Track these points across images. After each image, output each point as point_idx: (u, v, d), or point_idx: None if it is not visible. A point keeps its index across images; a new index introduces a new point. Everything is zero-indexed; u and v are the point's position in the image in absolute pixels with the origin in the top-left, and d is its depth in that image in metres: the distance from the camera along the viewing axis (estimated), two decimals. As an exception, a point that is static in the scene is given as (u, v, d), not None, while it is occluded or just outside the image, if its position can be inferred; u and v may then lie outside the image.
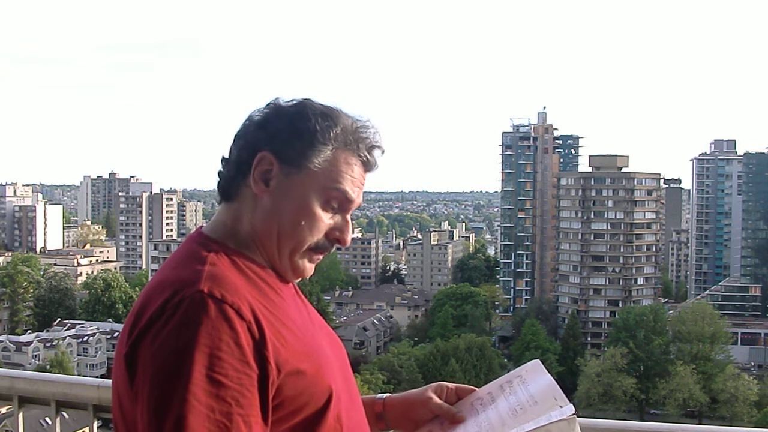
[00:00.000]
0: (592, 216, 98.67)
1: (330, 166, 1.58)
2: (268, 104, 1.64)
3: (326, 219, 1.60)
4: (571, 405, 1.55)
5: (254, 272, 1.56)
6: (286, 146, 1.57)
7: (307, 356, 1.51)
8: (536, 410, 1.59)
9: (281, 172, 1.57)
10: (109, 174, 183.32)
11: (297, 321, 1.56)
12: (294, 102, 1.63)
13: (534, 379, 1.72)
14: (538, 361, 1.82)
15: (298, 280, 1.68)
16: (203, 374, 1.36)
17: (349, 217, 1.64)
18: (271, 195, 1.58)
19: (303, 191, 1.57)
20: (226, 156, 1.64)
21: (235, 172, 1.61)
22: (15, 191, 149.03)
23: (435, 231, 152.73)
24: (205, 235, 1.62)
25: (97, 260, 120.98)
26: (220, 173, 1.65)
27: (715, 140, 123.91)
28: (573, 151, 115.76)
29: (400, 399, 1.86)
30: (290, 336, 1.49)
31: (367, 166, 1.65)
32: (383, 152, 1.67)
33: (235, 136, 1.64)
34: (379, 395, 1.88)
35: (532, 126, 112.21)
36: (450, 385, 1.85)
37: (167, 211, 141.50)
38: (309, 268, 1.63)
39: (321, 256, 1.64)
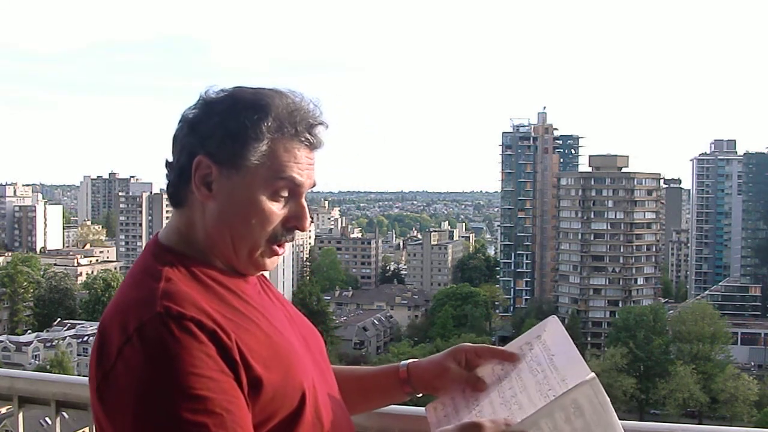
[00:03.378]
0: (592, 216, 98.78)
1: (269, 160, 1.52)
2: (198, 100, 1.58)
3: (278, 210, 1.55)
4: (592, 373, 1.50)
5: (213, 279, 1.52)
6: (220, 148, 1.52)
7: (274, 361, 1.46)
8: (559, 381, 1.54)
9: (221, 175, 1.52)
10: (109, 174, 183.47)
11: (262, 324, 1.51)
12: (223, 95, 1.56)
13: (554, 341, 1.67)
14: (555, 318, 1.76)
15: (259, 273, 1.64)
16: (185, 395, 1.33)
17: (303, 201, 1.58)
18: (216, 199, 1.53)
19: (247, 190, 1.52)
20: (170, 160, 1.60)
21: (178, 179, 1.57)
22: (15, 191, 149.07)
23: (435, 231, 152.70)
24: (162, 245, 1.58)
25: (97, 260, 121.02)
26: (167, 177, 1.60)
27: (715, 140, 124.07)
28: (573, 151, 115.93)
29: (423, 367, 1.84)
30: (254, 341, 1.45)
31: (311, 146, 1.58)
32: (327, 126, 1.61)
33: (173, 138, 1.59)
34: (402, 362, 1.87)
35: (532, 126, 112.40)
36: (468, 347, 1.80)
37: (167, 211, 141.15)
38: (270, 262, 1.59)
39: (282, 249, 1.60)
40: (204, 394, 1.34)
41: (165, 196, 1.63)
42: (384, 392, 1.89)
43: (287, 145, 1.55)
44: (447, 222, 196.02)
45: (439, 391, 1.80)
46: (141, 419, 1.34)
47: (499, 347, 1.78)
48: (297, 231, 1.60)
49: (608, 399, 1.49)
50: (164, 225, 1.65)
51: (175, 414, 1.32)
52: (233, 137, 1.52)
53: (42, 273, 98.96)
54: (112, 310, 1.47)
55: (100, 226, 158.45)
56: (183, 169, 1.55)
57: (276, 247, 1.58)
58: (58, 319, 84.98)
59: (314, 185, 1.60)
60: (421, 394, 1.88)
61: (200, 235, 1.56)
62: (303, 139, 1.56)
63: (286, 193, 1.56)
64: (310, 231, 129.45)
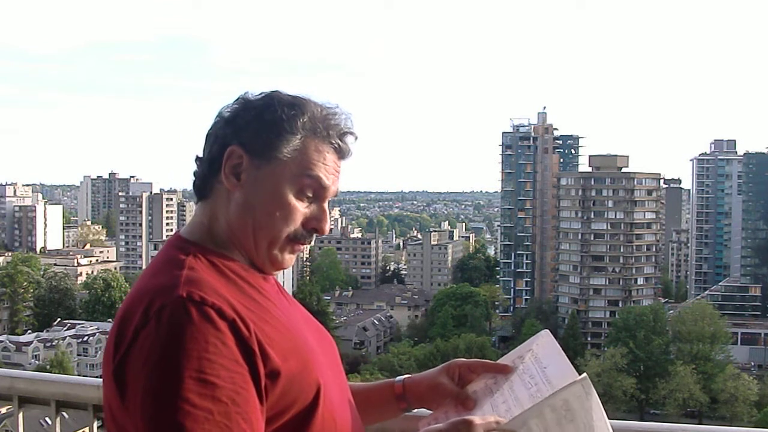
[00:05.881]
0: (592, 216, 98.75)
1: (300, 155, 1.57)
2: (236, 99, 1.63)
3: (301, 208, 1.59)
4: (584, 374, 1.52)
5: (234, 272, 1.55)
6: (254, 138, 1.57)
7: (292, 353, 1.48)
8: (552, 393, 1.54)
9: (251, 165, 1.57)
10: (109, 174, 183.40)
11: (281, 318, 1.54)
12: (262, 95, 1.62)
13: (546, 354, 1.68)
14: (548, 331, 1.78)
15: (278, 272, 1.67)
16: (194, 378, 1.34)
17: (325, 205, 1.63)
18: (243, 189, 1.57)
19: (274, 182, 1.57)
20: (200, 155, 1.64)
21: (207, 170, 1.61)
22: (15, 191, 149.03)
23: (435, 231, 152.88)
24: (183, 238, 1.61)
25: (97, 260, 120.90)
26: (195, 173, 1.64)
27: (715, 140, 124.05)
28: (573, 151, 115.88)
29: (417, 381, 1.86)
30: (274, 333, 1.47)
31: (340, 153, 1.63)
32: (356, 138, 1.66)
33: (207, 134, 1.64)
34: (398, 378, 1.89)
35: (532, 126, 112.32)
36: (461, 362, 1.83)
37: (167, 211, 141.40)
38: (288, 259, 1.63)
39: (301, 247, 1.63)
40: (213, 381, 1.35)
41: (192, 188, 1.66)
42: (379, 408, 1.90)
43: (318, 146, 1.59)
44: (447, 222, 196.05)
45: (433, 406, 1.82)
46: (148, 396, 1.35)
47: (491, 361, 1.80)
48: (316, 233, 1.63)
49: (599, 401, 1.48)
50: (188, 221, 1.67)
51: (181, 395, 1.33)
52: (268, 128, 1.57)
53: (42, 273, 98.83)
54: (132, 298, 1.48)
55: (100, 226, 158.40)
56: (214, 159, 1.59)
57: (295, 245, 1.61)
58: (58, 319, 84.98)
59: (337, 194, 1.63)
60: (415, 410, 1.89)
61: (223, 226, 1.60)
62: (334, 143, 1.61)
63: (311, 193, 1.59)
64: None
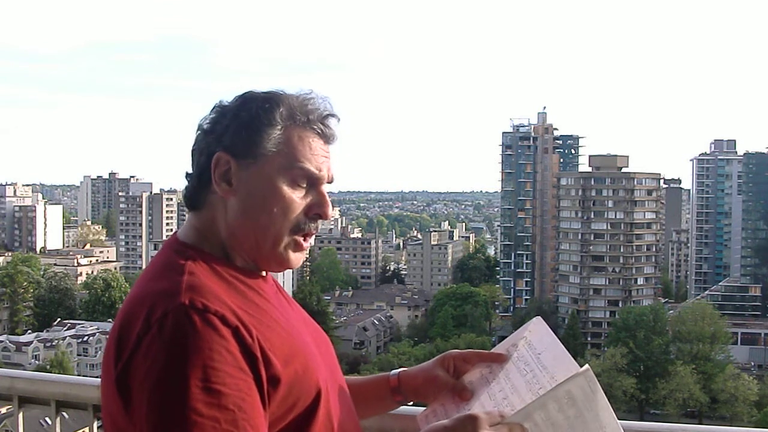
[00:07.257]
0: (592, 216, 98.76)
1: (285, 147, 1.56)
2: (212, 108, 1.62)
3: (298, 198, 1.57)
4: (587, 365, 1.54)
5: (233, 276, 1.54)
6: (236, 140, 1.55)
7: (293, 356, 1.49)
8: (549, 379, 1.56)
9: (239, 167, 1.55)
10: (109, 174, 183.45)
11: (281, 321, 1.54)
12: (235, 98, 1.61)
13: (539, 340, 1.70)
14: (540, 318, 1.79)
15: (284, 271, 1.66)
16: (200, 387, 1.34)
17: (323, 189, 1.60)
18: (237, 193, 1.55)
19: (265, 178, 1.55)
20: (189, 172, 1.63)
21: (197, 183, 1.59)
22: (15, 191, 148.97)
23: (435, 231, 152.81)
24: (181, 242, 1.59)
25: (97, 260, 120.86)
26: (186, 188, 1.63)
27: (715, 140, 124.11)
28: (573, 151, 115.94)
29: (412, 375, 1.87)
30: (275, 337, 1.47)
31: (324, 136, 1.61)
32: (339, 120, 1.63)
33: (191, 150, 1.62)
34: (393, 371, 1.90)
35: (532, 126, 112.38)
36: (455, 353, 1.83)
37: (167, 211, 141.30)
38: (295, 258, 1.61)
39: (307, 241, 1.61)
40: (219, 389, 1.35)
41: (183, 202, 1.65)
42: (374, 401, 1.90)
43: (301, 134, 1.58)
44: (447, 222, 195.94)
45: (429, 399, 1.83)
46: (154, 407, 1.34)
47: (485, 351, 1.81)
48: (320, 219, 1.61)
49: (600, 387, 1.51)
50: (182, 225, 1.66)
51: (188, 404, 1.33)
52: (247, 126, 1.56)
53: (42, 273, 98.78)
54: (131, 303, 1.47)
55: (100, 226, 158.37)
56: (203, 170, 1.58)
57: (300, 240, 1.59)
58: (58, 319, 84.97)
59: (332, 178, 1.62)
60: (411, 402, 1.90)
61: (222, 232, 1.58)
62: (316, 127, 1.59)
63: (305, 183, 1.58)
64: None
